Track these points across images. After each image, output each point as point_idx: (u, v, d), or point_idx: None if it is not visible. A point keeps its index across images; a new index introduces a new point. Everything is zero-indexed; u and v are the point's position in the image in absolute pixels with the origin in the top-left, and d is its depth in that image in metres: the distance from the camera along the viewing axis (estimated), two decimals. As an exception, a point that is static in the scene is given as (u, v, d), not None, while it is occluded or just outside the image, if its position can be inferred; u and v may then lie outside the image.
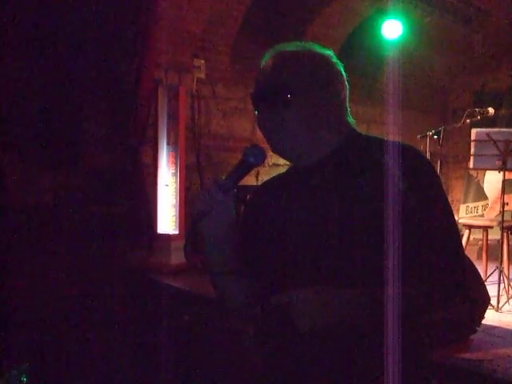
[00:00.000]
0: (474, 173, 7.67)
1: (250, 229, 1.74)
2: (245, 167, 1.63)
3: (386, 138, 1.69)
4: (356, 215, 1.55)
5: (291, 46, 1.68)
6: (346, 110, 1.70)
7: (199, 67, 5.99)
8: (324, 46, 1.70)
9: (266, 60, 1.68)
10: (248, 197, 1.84)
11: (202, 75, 6.03)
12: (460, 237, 1.66)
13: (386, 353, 1.48)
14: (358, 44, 7.03)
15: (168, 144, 5.47)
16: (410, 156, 1.60)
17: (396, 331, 1.46)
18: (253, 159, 1.61)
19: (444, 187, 1.67)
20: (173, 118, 5.46)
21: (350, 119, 1.71)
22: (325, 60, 1.67)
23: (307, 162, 1.68)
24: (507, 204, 5.09)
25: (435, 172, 1.65)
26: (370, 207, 1.54)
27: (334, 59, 1.68)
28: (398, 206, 1.50)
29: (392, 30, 6.39)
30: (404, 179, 1.53)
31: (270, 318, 1.64)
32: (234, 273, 1.67)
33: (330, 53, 1.69)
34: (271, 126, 1.65)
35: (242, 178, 1.63)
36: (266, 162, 1.67)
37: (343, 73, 1.69)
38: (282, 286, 1.56)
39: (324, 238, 1.58)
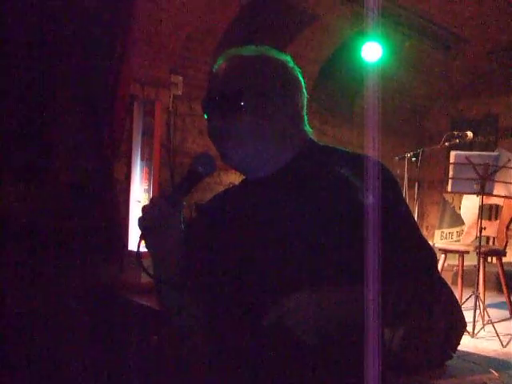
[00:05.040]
0: (449, 198, 7.68)
1: (198, 243, 1.63)
2: (193, 178, 1.53)
3: (345, 149, 1.61)
4: (309, 229, 1.45)
5: (246, 50, 1.58)
6: (303, 118, 1.61)
7: (176, 84, 5.93)
8: (281, 51, 1.60)
9: (219, 64, 1.59)
10: (197, 211, 1.74)
11: (179, 92, 5.97)
12: (430, 249, 1.55)
13: (366, 358, 1.39)
14: (337, 66, 7.03)
15: (142, 159, 5.37)
16: (371, 168, 1.51)
17: (376, 334, 1.39)
18: (202, 168, 1.52)
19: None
20: (148, 133, 5.37)
21: (307, 128, 1.62)
22: (281, 65, 1.57)
23: (260, 174, 1.58)
24: (484, 229, 5.06)
25: (398, 185, 1.57)
26: (325, 220, 1.44)
27: (291, 64, 1.59)
28: (357, 219, 1.41)
29: (372, 52, 6.40)
30: (365, 191, 1.44)
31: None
32: (180, 287, 1.57)
33: (286, 58, 1.60)
34: (222, 134, 1.55)
35: (190, 189, 1.54)
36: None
37: (301, 79, 1.60)
38: (237, 302, 1.48)
39: (273, 253, 1.48)
